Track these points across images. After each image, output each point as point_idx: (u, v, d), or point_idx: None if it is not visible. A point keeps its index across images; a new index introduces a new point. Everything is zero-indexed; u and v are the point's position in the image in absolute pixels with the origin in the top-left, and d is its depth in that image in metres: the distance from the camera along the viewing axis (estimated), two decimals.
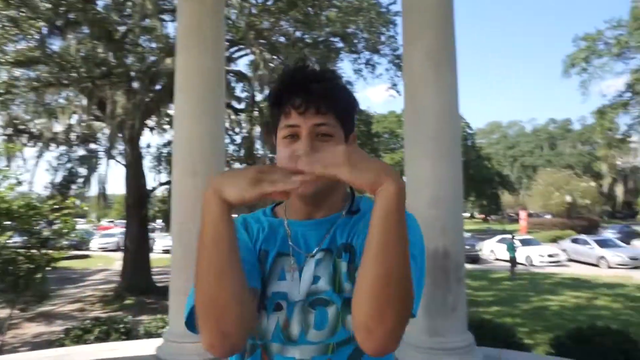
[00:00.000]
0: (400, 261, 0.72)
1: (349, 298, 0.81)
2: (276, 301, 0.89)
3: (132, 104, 11.58)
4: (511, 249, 16.70)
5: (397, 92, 13.49)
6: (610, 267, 17.65)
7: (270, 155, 15.14)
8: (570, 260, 19.55)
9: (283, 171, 0.75)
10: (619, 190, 24.54)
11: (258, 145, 14.72)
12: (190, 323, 0.85)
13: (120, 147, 14.31)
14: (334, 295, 0.88)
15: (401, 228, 0.72)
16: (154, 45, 12.57)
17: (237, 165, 14.83)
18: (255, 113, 13.42)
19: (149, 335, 5.62)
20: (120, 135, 12.88)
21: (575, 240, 21.12)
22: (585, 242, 19.96)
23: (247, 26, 11.81)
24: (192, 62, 4.59)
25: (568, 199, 35.59)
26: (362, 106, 20.47)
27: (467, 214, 52.23)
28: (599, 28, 15.89)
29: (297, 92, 0.88)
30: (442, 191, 3.88)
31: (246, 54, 13.80)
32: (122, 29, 12.32)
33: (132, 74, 12.51)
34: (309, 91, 0.87)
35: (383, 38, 13.51)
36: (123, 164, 14.04)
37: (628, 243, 21.07)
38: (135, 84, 12.38)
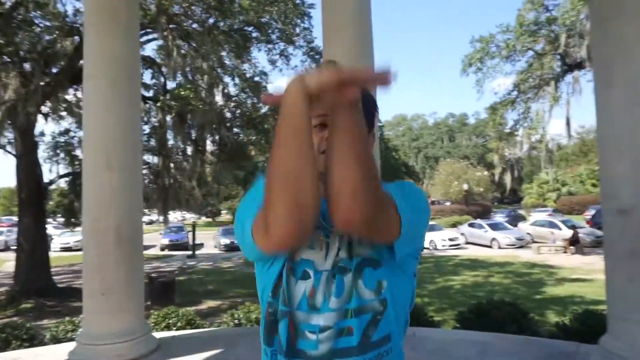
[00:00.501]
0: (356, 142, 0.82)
1: (360, 261, 0.94)
2: (304, 269, 0.96)
3: (27, 89, 10.39)
4: None
5: None
6: (500, 248, 19.69)
7: (183, 146, 14.54)
8: (468, 243, 21.43)
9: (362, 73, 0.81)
10: (507, 179, 27.30)
11: (169, 135, 14.04)
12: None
13: (10, 135, 12.86)
14: (348, 262, 0.96)
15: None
16: (48, 23, 11.37)
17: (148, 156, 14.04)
18: (173, 102, 12.75)
19: (56, 340, 5.18)
20: (9, 122, 11.53)
21: (471, 225, 23.17)
22: (480, 226, 22.00)
23: (158, 9, 11.16)
24: (103, 45, 4.24)
25: (465, 187, 38.89)
26: None
27: None
28: (492, 32, 17.33)
29: None
30: None
31: (154, 39, 13.04)
32: (9, 2, 10.97)
33: (22, 53, 11.22)
34: None
35: (298, 30, 13.54)
36: (13, 154, 12.63)
37: (515, 225, 23.61)
38: (28, 66, 11.13)
